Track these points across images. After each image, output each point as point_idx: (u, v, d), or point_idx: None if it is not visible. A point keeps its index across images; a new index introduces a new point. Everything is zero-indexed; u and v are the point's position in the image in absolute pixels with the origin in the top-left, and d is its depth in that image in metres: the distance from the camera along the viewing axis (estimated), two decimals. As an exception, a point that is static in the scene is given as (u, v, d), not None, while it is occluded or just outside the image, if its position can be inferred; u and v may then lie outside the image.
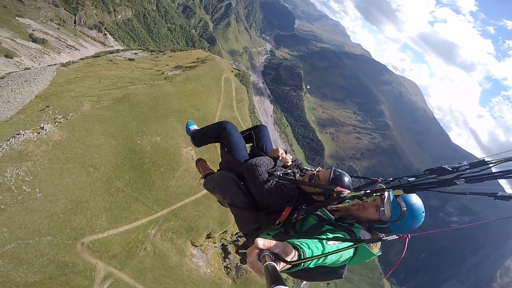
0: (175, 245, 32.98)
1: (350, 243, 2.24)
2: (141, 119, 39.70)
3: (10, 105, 39.93)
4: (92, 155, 31.02)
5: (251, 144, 4.23)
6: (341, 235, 2.52)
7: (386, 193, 2.63)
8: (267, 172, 3.34)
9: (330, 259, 2.15)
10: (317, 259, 1.98)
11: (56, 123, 32.13)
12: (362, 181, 3.25)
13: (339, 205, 2.98)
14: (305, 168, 3.85)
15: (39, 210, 22.77)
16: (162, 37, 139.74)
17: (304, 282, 73.97)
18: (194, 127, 4.82)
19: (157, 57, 72.72)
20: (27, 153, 24.71)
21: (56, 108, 37.32)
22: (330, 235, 2.43)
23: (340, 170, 3.09)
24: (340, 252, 2.18)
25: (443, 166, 2.17)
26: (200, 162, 4.76)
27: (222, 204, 4.16)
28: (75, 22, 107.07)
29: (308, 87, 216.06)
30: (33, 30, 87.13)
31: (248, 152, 4.06)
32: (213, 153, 36.98)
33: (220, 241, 41.41)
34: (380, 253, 2.65)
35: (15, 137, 25.19)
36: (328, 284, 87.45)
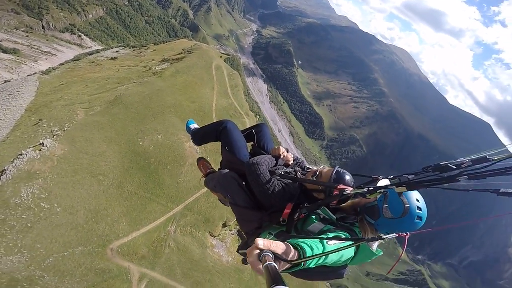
0: (195, 238, 33.59)
1: (350, 242, 2.25)
2: (138, 120, 39.12)
3: (2, 123, 38.77)
4: (98, 163, 30.76)
5: (251, 143, 4.20)
6: (342, 235, 2.54)
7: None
8: (268, 171, 3.33)
9: (331, 258, 2.17)
10: (317, 259, 1.99)
11: (54, 137, 31.49)
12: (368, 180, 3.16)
13: (342, 205, 2.98)
14: (307, 166, 3.79)
15: (63, 224, 23.18)
16: (141, 31, 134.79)
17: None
18: (194, 125, 4.79)
19: (140, 52, 70.43)
20: (34, 171, 24.45)
21: (50, 120, 36.40)
22: (331, 235, 2.46)
23: (342, 170, 3.08)
24: (341, 252, 2.20)
25: (446, 163, 2.21)
26: (201, 161, 4.74)
27: (223, 203, 4.10)
28: (43, 27, 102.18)
29: (299, 62, 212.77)
30: (0, 41, 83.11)
31: (249, 151, 4.04)
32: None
33: (235, 227, 42.21)
34: (382, 253, 2.64)
35: (18, 158, 24.87)
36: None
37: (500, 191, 1.87)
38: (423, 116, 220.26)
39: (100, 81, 53.64)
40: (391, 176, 2.97)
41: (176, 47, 69.64)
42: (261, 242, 1.54)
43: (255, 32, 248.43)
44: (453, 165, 2.17)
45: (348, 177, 2.99)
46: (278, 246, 1.63)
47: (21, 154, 25.33)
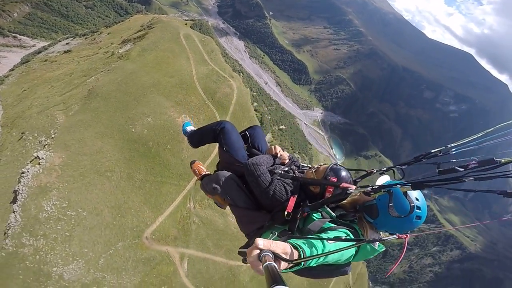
0: (214, 209, 34.66)
1: (352, 243, 2.27)
2: (122, 108, 37.58)
3: (-17, 146, 36.30)
4: (100, 161, 30.15)
5: (246, 145, 4.16)
6: (343, 234, 2.55)
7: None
8: (268, 171, 3.35)
9: (332, 258, 2.18)
10: (317, 258, 2.01)
11: (45, 147, 30.13)
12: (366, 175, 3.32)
13: (343, 202, 3.02)
14: (302, 164, 3.83)
15: (96, 225, 23.46)
16: (85, 17, 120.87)
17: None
18: (190, 127, 4.70)
19: (94, 39, 64.98)
20: (45, 185, 23.91)
21: (32, 132, 34.40)
22: (331, 234, 2.48)
23: (338, 166, 3.09)
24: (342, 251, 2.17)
25: (454, 167, 2.22)
26: (194, 164, 4.65)
27: (219, 206, 3.96)
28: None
29: (270, 13, 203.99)
30: None
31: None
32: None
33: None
34: (384, 249, 2.64)
35: (23, 177, 24.02)
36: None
37: (507, 192, 1.95)
38: (404, 51, 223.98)
39: (64, 78, 49.95)
40: (385, 168, 3.08)
41: (132, 25, 64.59)
42: (261, 242, 1.56)
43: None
44: (459, 167, 2.20)
45: (344, 173, 3.02)
46: (278, 246, 1.64)
47: (23, 172, 24.46)
